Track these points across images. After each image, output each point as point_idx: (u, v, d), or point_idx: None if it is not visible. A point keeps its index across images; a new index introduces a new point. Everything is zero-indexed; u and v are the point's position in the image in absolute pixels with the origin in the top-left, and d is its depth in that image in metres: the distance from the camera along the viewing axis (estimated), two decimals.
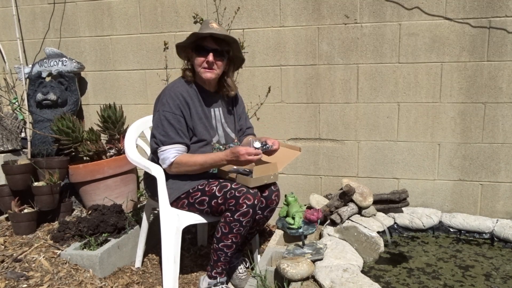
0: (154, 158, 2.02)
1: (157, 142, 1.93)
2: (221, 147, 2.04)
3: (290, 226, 1.96)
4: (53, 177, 2.62)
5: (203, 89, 2.03)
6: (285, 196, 2.07)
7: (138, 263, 2.33)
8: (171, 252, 1.93)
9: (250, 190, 1.82)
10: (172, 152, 1.90)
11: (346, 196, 2.39)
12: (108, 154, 2.79)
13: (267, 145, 1.92)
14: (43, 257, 2.16)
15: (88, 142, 2.74)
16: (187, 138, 1.94)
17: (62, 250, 2.19)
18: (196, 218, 1.99)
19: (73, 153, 2.83)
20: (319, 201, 2.56)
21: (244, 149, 1.79)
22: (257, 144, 1.89)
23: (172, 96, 1.93)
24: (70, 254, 2.13)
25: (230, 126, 2.13)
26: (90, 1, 2.97)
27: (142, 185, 3.01)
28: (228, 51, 1.99)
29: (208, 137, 2.00)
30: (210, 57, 1.91)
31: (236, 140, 2.13)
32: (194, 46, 1.95)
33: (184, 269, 2.32)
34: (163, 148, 1.91)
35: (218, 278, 1.95)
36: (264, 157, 2.07)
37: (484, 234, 2.36)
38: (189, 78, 2.01)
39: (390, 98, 2.58)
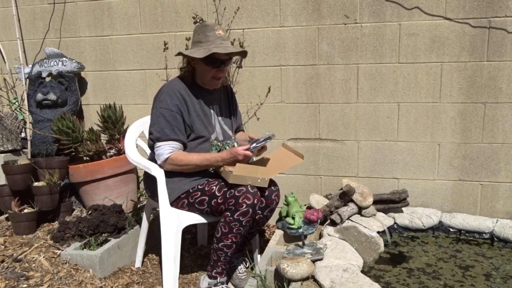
0: (154, 157, 2.02)
1: (153, 138, 1.94)
2: (219, 143, 2.04)
3: (290, 226, 1.97)
4: (53, 177, 2.62)
5: (201, 87, 2.04)
6: (285, 196, 2.07)
7: (138, 263, 2.33)
8: (171, 252, 1.93)
9: (250, 190, 1.82)
10: (166, 149, 1.90)
11: (346, 196, 2.39)
12: (108, 154, 2.79)
13: (266, 139, 1.91)
14: (43, 257, 2.16)
15: (88, 142, 2.74)
16: (183, 135, 1.94)
17: (62, 250, 2.19)
18: (196, 218, 1.99)
19: (73, 153, 2.83)
20: (319, 201, 2.56)
21: (240, 148, 1.84)
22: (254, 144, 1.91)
23: (170, 93, 1.94)
24: (70, 254, 2.13)
25: (227, 123, 2.14)
26: (90, 1, 2.97)
27: (142, 185, 3.01)
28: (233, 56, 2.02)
29: (206, 134, 2.00)
30: (223, 71, 1.97)
31: (233, 137, 2.14)
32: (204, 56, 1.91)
33: (184, 269, 2.32)
34: (158, 144, 1.92)
35: (218, 278, 1.95)
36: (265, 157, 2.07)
37: (484, 234, 2.36)
38: (188, 79, 2.01)
39: (390, 98, 2.58)
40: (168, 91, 1.95)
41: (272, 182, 2.03)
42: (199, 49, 1.91)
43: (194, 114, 1.98)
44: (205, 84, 2.02)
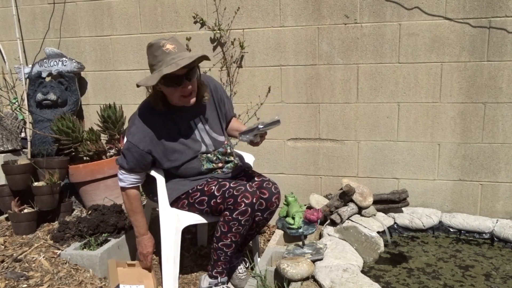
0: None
1: (119, 163, 1.92)
2: (209, 155, 1.98)
3: (290, 226, 1.97)
4: (53, 177, 2.62)
5: (178, 107, 1.88)
6: (285, 196, 2.07)
7: None
8: (171, 252, 1.93)
9: (249, 189, 1.82)
10: (129, 180, 1.92)
11: (346, 196, 2.39)
12: (108, 154, 2.79)
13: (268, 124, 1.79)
14: (43, 257, 2.16)
15: (88, 142, 2.74)
16: (147, 168, 1.94)
17: (62, 250, 2.19)
18: (196, 218, 1.99)
19: (73, 153, 2.83)
20: (319, 201, 2.56)
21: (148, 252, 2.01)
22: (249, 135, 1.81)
23: (139, 128, 1.85)
24: (70, 254, 2.13)
25: (216, 130, 2.03)
26: (90, 1, 2.97)
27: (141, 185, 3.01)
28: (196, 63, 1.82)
29: (190, 155, 1.94)
30: (189, 86, 1.77)
31: (226, 142, 2.04)
32: (161, 79, 1.71)
33: (184, 269, 2.32)
34: (122, 171, 1.92)
35: (219, 278, 1.95)
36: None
37: (484, 234, 2.36)
38: (159, 104, 1.85)
39: (390, 98, 2.58)
40: (138, 125, 1.86)
41: (273, 184, 2.02)
42: (153, 73, 1.74)
43: (172, 143, 1.90)
44: (178, 104, 1.85)
